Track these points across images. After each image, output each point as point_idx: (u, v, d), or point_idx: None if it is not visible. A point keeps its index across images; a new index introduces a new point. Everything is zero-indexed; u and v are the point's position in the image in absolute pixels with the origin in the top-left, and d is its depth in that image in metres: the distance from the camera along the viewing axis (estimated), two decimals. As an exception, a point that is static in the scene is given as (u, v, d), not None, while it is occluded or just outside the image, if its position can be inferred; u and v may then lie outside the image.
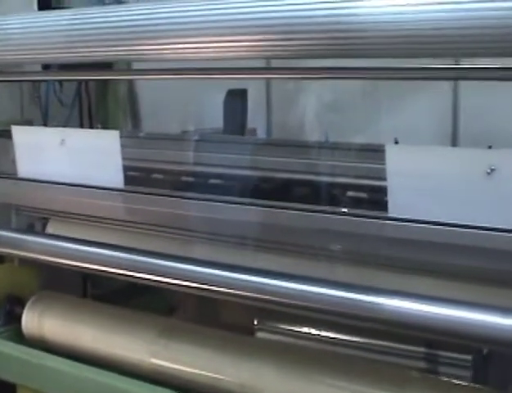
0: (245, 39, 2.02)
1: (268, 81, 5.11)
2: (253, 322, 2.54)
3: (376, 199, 2.13)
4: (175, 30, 2.14)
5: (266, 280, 2.06)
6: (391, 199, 1.94)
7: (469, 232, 1.84)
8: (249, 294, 2.09)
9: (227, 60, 2.16)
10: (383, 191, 2.01)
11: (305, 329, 2.47)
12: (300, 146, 2.70)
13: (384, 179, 1.97)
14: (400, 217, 1.94)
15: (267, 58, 2.53)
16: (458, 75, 2.40)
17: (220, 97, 4.39)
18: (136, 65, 3.28)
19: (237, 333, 2.53)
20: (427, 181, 1.88)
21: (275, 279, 2.05)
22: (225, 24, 2.04)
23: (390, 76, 2.26)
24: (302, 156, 2.55)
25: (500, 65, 1.83)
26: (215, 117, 4.40)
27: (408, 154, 1.93)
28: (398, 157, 1.92)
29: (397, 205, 1.94)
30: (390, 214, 1.96)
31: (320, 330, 2.44)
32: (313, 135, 3.11)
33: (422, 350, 2.24)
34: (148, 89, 4.94)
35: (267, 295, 2.06)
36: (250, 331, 2.55)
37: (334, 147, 2.67)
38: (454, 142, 4.24)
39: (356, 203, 2.19)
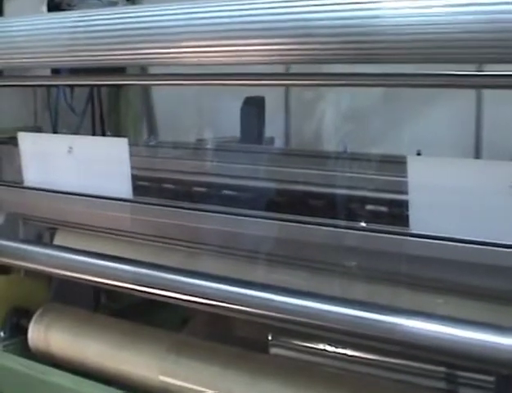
0: (261, 43, 1.92)
1: (287, 88, 5.03)
2: (267, 337, 2.43)
3: (396, 213, 2.02)
4: (190, 32, 2.04)
5: (280, 297, 1.96)
6: (412, 214, 1.83)
7: (496, 251, 1.72)
8: (261, 312, 2.00)
9: (244, 66, 2.07)
10: (403, 205, 1.90)
11: (321, 346, 2.36)
12: (317, 157, 2.59)
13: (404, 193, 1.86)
14: (422, 233, 1.82)
15: (288, 63, 2.43)
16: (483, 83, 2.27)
17: (237, 105, 4.31)
18: (151, 71, 3.21)
19: (250, 349, 2.45)
20: (452, 195, 1.77)
21: (289, 296, 1.96)
22: (242, 26, 1.94)
23: (412, 83, 2.15)
24: (318, 167, 2.45)
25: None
26: (232, 125, 4.32)
27: (431, 166, 1.82)
28: (421, 169, 1.81)
29: (419, 220, 1.83)
30: (412, 230, 1.84)
31: (337, 347, 2.33)
32: (332, 145, 3.03)
33: (442, 370, 2.13)
34: (164, 96, 4.86)
35: (280, 313, 1.96)
36: (264, 346, 2.45)
37: (353, 158, 2.57)
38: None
39: (375, 217, 2.08)
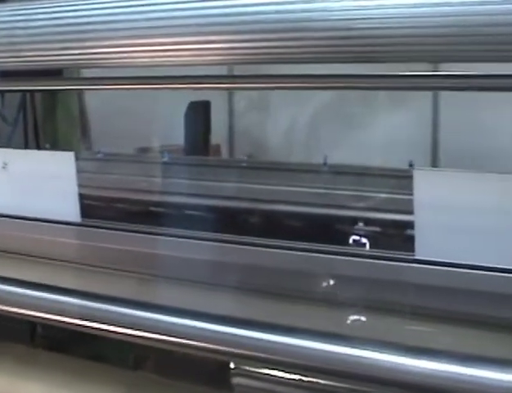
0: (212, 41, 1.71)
1: (230, 93, 4.83)
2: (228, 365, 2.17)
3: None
4: (136, 29, 1.82)
5: (244, 331, 1.69)
6: (419, 237, 1.57)
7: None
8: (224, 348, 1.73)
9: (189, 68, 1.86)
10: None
11: (289, 375, 2.10)
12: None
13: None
14: (430, 260, 1.57)
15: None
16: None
17: (180, 110, 4.08)
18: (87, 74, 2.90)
19: (212, 383, 2.14)
20: (466, 215, 1.52)
21: (255, 330, 1.68)
22: (191, 21, 1.72)
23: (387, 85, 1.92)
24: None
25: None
26: (174, 133, 4.09)
27: (442, 180, 1.56)
28: (429, 184, 1.55)
29: (426, 244, 1.57)
30: (417, 257, 1.58)
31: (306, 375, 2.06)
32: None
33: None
34: (98, 101, 4.55)
35: (244, 349, 1.70)
36: (226, 375, 2.18)
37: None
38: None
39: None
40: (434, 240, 1.58)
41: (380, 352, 1.50)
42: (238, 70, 2.39)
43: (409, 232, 1.76)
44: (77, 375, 2.32)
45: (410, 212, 1.59)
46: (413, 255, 1.60)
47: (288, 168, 2.69)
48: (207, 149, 4.13)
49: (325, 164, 2.40)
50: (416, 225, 1.58)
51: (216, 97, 4.38)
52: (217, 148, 4.48)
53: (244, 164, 2.73)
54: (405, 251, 1.65)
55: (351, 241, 1.81)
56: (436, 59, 1.75)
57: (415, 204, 1.58)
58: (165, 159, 2.54)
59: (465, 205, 1.54)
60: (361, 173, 2.11)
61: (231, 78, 2.51)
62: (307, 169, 2.49)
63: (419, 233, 1.58)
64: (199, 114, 4.12)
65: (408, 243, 1.64)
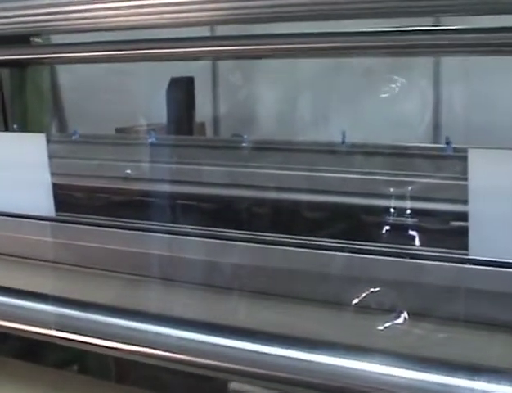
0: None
1: (215, 68, 4.57)
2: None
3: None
4: None
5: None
6: (473, 233, 1.28)
7: None
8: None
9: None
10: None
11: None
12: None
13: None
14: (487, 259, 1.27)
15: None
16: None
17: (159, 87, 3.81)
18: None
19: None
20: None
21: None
22: None
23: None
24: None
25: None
26: (156, 111, 3.80)
27: (504, 161, 1.26)
28: (488, 166, 1.25)
29: (482, 240, 1.27)
30: (471, 256, 1.29)
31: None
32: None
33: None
34: (73, 75, 4.22)
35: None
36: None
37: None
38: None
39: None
40: (493, 235, 1.28)
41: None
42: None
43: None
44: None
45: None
46: (466, 254, 1.30)
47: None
48: (191, 128, 3.83)
49: (343, 142, 2.11)
50: (471, 216, 1.28)
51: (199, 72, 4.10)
52: (202, 127, 4.18)
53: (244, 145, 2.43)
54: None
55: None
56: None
57: (469, 190, 1.28)
58: (152, 140, 2.22)
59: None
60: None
61: (216, 40, 2.27)
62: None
63: (474, 227, 1.28)
64: (182, 90, 3.82)
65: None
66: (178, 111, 3.78)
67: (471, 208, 1.29)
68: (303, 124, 3.58)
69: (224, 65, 4.39)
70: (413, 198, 1.58)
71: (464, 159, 1.31)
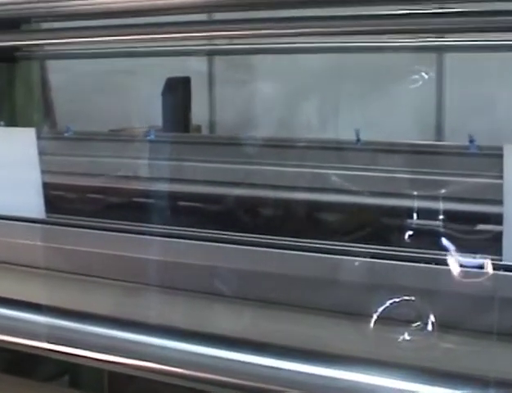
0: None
1: (211, 67, 4.51)
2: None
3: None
4: None
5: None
6: (508, 237, 1.16)
7: None
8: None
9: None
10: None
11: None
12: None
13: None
14: None
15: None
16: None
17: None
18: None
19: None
20: None
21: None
22: None
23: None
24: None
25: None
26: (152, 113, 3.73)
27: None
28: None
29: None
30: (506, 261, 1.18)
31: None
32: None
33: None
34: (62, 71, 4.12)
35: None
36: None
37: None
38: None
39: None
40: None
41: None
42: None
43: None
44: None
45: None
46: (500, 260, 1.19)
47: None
48: (187, 131, 3.74)
49: (358, 140, 2.01)
50: (506, 218, 1.17)
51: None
52: (198, 130, 4.10)
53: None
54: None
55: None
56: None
57: (505, 189, 1.17)
58: (151, 137, 2.13)
59: None
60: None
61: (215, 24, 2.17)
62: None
63: (509, 230, 1.17)
64: (178, 91, 3.74)
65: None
66: (174, 113, 3.70)
67: (506, 209, 1.18)
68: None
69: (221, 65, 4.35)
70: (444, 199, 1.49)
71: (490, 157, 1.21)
